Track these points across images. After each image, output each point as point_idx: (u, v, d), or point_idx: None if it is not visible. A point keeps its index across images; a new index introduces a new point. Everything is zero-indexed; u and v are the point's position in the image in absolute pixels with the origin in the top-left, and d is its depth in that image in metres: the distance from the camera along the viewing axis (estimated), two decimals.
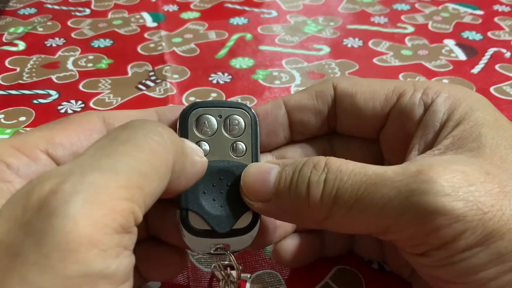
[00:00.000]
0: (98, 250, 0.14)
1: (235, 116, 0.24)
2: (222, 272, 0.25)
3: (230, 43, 0.56)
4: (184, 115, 0.24)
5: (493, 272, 0.19)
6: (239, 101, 0.45)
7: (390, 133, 0.25)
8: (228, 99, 0.46)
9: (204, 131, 0.24)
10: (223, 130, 0.24)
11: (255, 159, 0.24)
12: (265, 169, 0.22)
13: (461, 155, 0.21)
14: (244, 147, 0.24)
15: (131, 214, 0.16)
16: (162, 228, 0.25)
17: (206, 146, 0.24)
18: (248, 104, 0.45)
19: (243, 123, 0.24)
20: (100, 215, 0.14)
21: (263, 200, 0.22)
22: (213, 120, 0.24)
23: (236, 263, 0.24)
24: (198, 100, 0.25)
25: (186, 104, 0.45)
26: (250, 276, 0.28)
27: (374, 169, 0.20)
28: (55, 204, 0.14)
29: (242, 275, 0.26)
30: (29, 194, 0.15)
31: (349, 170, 0.20)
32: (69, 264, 0.13)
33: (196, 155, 0.21)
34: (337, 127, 0.27)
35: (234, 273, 0.25)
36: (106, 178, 0.15)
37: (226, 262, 0.25)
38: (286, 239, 0.27)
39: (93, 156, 0.16)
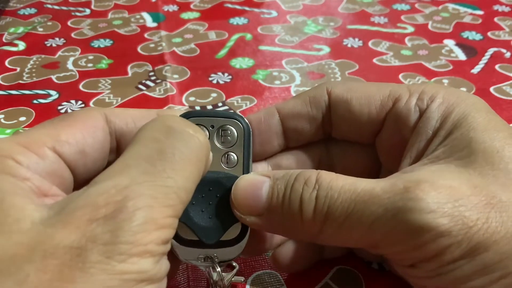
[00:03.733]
0: (149, 255, 0.17)
1: (227, 126, 0.24)
2: (212, 280, 0.24)
3: (230, 43, 0.56)
4: None
5: (480, 282, 0.19)
6: (239, 101, 0.45)
7: (386, 139, 0.25)
8: (228, 99, 0.46)
9: None
10: (215, 140, 0.24)
11: (246, 170, 0.24)
12: (256, 183, 0.22)
13: (451, 164, 0.21)
14: (236, 158, 0.24)
15: (173, 229, 0.18)
16: None
17: None
18: (247, 104, 0.45)
19: (235, 134, 0.24)
20: (154, 229, 0.17)
21: (255, 214, 0.22)
22: (205, 130, 0.24)
23: (221, 274, 0.24)
24: (191, 110, 0.25)
25: (187, 105, 0.45)
26: (245, 280, 0.28)
27: (364, 186, 0.20)
28: (120, 221, 0.16)
29: (235, 278, 0.26)
30: (94, 208, 0.17)
31: (339, 187, 0.20)
32: (127, 264, 0.16)
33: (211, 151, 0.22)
34: (333, 133, 0.26)
35: (226, 277, 0.25)
36: (159, 198, 0.18)
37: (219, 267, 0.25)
38: (285, 244, 0.27)
39: (146, 174, 0.18)
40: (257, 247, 0.25)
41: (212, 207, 0.23)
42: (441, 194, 0.19)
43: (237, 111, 0.44)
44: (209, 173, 0.23)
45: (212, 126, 0.24)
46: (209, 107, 0.44)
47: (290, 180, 0.22)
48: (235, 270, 0.25)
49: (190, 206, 0.23)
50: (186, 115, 0.24)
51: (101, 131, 0.22)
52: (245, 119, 0.25)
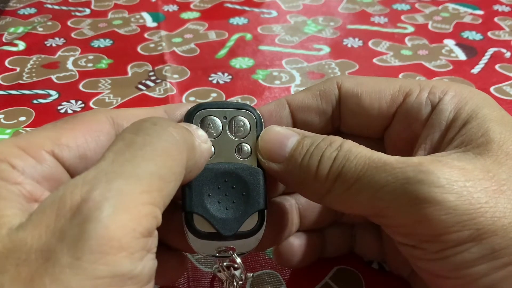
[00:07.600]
0: (126, 253, 0.15)
1: (240, 117, 0.24)
2: (225, 273, 0.25)
3: (230, 43, 0.56)
4: (189, 116, 0.24)
5: (485, 267, 0.19)
6: (239, 101, 0.45)
7: (395, 133, 0.25)
8: (228, 99, 0.46)
9: (209, 133, 0.23)
10: (228, 131, 0.24)
11: None
12: (286, 134, 0.23)
13: (469, 152, 0.21)
14: (249, 149, 0.24)
15: (154, 218, 0.17)
16: (165, 231, 0.24)
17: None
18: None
19: (248, 124, 0.24)
20: (128, 220, 0.16)
21: (275, 160, 0.23)
22: (218, 121, 0.24)
23: (242, 265, 0.24)
24: (202, 101, 0.25)
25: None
26: (252, 275, 0.28)
27: (380, 155, 0.21)
28: (87, 212, 0.15)
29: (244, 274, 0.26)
30: (60, 203, 0.16)
31: (357, 152, 0.21)
32: (100, 266, 0.15)
33: (203, 143, 0.22)
34: (341, 127, 0.27)
35: (237, 273, 0.25)
36: (130, 184, 0.16)
37: (227, 263, 0.25)
38: (288, 240, 0.27)
39: (115, 162, 0.17)
40: (263, 241, 0.24)
41: (228, 198, 0.23)
42: (453, 173, 0.19)
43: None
44: (224, 164, 0.23)
45: (225, 118, 0.24)
46: None
47: (317, 139, 0.22)
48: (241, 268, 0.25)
49: (206, 198, 0.23)
50: (198, 107, 0.24)
51: (105, 135, 0.21)
52: (257, 110, 0.25)
